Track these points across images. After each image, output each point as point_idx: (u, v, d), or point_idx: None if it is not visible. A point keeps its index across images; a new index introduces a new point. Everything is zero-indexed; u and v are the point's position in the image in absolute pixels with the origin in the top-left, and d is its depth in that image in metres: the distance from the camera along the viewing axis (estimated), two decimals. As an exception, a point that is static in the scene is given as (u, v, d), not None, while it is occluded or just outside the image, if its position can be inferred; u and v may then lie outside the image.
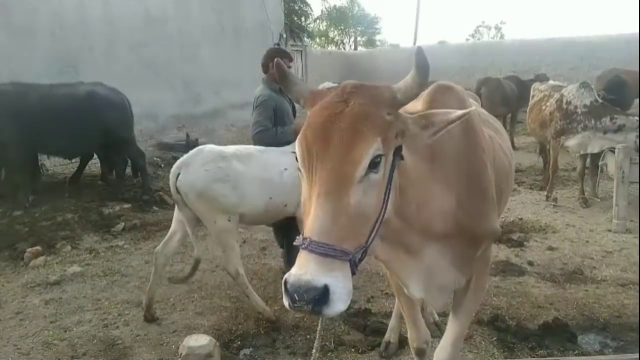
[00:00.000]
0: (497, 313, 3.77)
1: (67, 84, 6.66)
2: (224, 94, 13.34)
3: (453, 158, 1.85)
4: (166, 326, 3.82)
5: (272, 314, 3.81)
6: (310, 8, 27.42)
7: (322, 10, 35.19)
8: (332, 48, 33.71)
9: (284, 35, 16.34)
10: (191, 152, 3.65)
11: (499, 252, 5.03)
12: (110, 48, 10.02)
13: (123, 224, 5.85)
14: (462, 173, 1.87)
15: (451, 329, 2.27)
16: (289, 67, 4.03)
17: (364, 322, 3.82)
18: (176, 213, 3.79)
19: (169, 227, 3.99)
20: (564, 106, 6.00)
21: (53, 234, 5.42)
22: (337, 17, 36.26)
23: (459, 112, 1.54)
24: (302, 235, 1.34)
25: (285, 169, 3.63)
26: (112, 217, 6.04)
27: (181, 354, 1.59)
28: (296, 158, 1.49)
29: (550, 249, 5.13)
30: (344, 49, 34.48)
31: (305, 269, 1.27)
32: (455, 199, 1.83)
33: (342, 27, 37.61)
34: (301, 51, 18.25)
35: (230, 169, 3.53)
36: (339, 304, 1.28)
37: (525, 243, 5.30)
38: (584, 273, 4.50)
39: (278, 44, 16.13)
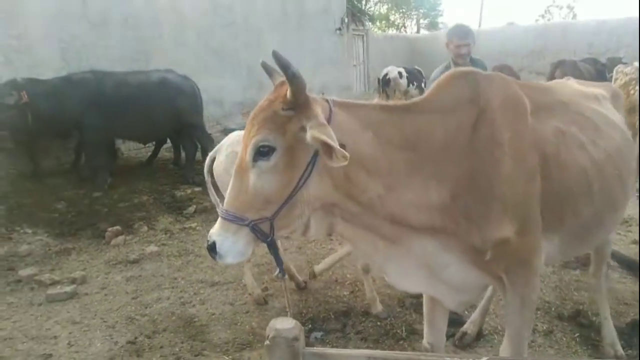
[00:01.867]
0: (578, 308, 3.59)
1: (141, 71, 6.95)
2: (287, 79, 13.45)
3: (448, 150, 1.75)
4: (239, 307, 3.93)
5: (262, 297, 3.94)
6: (371, -9, 27.04)
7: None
8: (393, 32, 33.06)
9: (346, 20, 16.16)
10: (226, 137, 3.68)
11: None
12: (179, 36, 10.29)
13: (194, 206, 6.06)
14: (462, 168, 1.76)
15: (504, 348, 2.11)
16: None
17: (436, 311, 3.75)
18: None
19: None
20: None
21: (130, 215, 5.70)
22: (399, 0, 35.48)
23: (318, 133, 1.56)
24: None
25: None
26: (184, 200, 6.27)
27: (268, 335, 1.60)
28: None
29: (635, 242, 4.81)
30: (406, 32, 33.72)
31: (215, 227, 1.71)
32: (450, 194, 1.75)
33: (404, 10, 36.76)
34: (363, 35, 18.01)
35: None
36: (226, 256, 1.69)
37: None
38: (674, 269, 4.18)
39: (340, 29, 16.05)
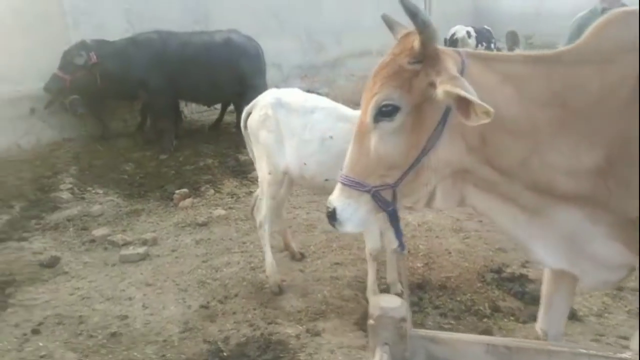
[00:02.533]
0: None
1: (205, 31, 6.81)
2: (345, 42, 13.04)
3: (604, 107, 1.46)
4: (310, 274, 3.82)
5: (277, 284, 3.52)
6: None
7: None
8: None
9: (409, -22, 15.37)
10: (261, 95, 3.49)
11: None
12: (239, -4, 10.10)
13: (258, 170, 5.96)
14: (619, 128, 1.46)
15: None
16: None
17: (522, 288, 3.48)
18: None
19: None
20: None
21: (197, 178, 5.69)
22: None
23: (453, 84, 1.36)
24: None
25: (331, 137, 3.06)
26: (247, 164, 6.17)
27: (372, 314, 1.41)
28: None
29: None
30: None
31: (333, 193, 1.64)
32: (604, 158, 1.47)
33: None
34: (425, -6, 17.13)
35: (276, 119, 3.24)
36: (346, 224, 1.62)
37: None
38: None
39: (402, -13, 15.28)
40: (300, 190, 5.31)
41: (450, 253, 4.06)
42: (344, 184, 1.59)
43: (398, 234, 1.68)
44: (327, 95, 6.12)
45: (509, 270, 3.77)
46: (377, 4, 14.08)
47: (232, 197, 5.35)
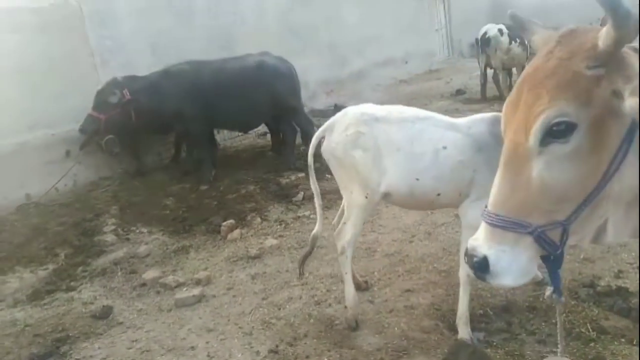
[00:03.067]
0: None
1: (237, 57, 6.64)
2: (368, 53, 12.85)
3: None
4: (381, 305, 3.50)
5: (355, 318, 3.22)
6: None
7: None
8: None
9: (426, -18, 15.12)
10: (338, 114, 3.18)
11: None
12: (259, 19, 10.01)
13: (302, 193, 5.70)
14: None
15: None
16: None
17: (625, 304, 3.09)
18: None
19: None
20: None
21: (241, 207, 5.44)
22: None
23: None
24: None
25: (445, 148, 2.77)
26: (290, 187, 5.93)
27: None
28: None
29: None
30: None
31: (478, 237, 1.33)
32: None
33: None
34: (443, -3, 16.82)
35: (373, 136, 2.90)
36: (502, 277, 1.28)
37: None
38: None
39: (419, -8, 15.01)
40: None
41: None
42: (494, 224, 1.28)
43: (556, 279, 1.37)
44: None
45: (602, 283, 3.39)
46: (396, 13, 13.94)
47: (280, 224, 5.07)
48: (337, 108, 9.45)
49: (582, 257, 3.71)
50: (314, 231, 3.38)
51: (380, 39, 13.14)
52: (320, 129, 3.21)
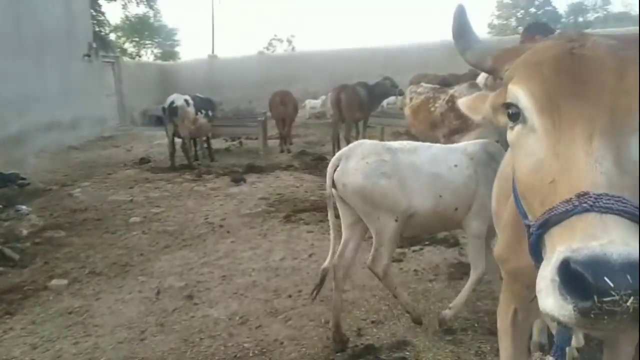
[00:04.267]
0: None
1: None
2: (28, 114, 11.02)
3: None
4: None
5: (420, 315, 3.44)
6: (105, 17, 24.90)
7: (121, 19, 32.34)
8: (146, 59, 31.29)
9: (94, 46, 14.27)
10: (351, 144, 3.37)
11: None
12: None
13: None
14: None
15: None
16: None
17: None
18: (345, 218, 3.38)
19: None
20: (457, 106, 6.29)
21: None
22: (130, 29, 33.65)
23: None
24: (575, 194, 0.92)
25: (455, 166, 3.22)
26: None
27: None
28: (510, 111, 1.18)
29: None
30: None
31: (607, 237, 0.84)
32: None
33: (137, 39, 35.09)
34: (113, 62, 16.23)
35: (396, 163, 3.15)
36: None
37: None
38: None
39: (89, 55, 14.06)
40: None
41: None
42: (622, 212, 0.88)
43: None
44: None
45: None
46: (64, 72, 12.53)
47: None
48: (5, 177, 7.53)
49: None
50: (325, 265, 3.35)
51: (45, 100, 11.49)
52: (335, 157, 3.26)
